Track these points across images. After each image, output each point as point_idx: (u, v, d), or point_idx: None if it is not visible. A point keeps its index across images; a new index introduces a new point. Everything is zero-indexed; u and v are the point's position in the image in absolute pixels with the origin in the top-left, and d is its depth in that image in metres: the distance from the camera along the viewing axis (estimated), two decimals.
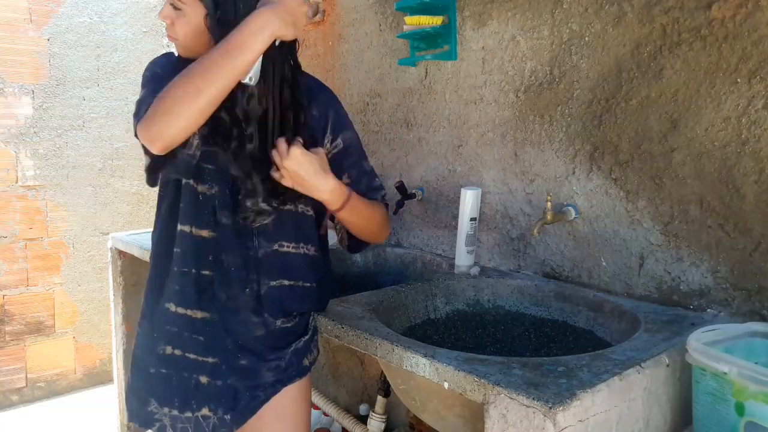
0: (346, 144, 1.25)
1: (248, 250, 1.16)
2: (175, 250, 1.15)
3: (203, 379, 1.14)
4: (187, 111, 0.98)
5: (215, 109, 1.02)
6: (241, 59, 1.00)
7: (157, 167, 1.11)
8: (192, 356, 1.14)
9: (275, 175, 1.11)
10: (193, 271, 1.15)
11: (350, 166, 1.26)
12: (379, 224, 1.29)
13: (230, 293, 1.15)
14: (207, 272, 1.15)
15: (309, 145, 1.15)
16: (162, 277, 1.18)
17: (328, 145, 1.24)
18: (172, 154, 1.04)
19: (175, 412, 1.13)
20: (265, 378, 1.16)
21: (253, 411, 1.16)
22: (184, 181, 1.15)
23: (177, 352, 1.15)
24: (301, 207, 1.21)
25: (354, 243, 1.34)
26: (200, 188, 1.14)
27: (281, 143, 1.09)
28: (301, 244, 1.22)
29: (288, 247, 1.20)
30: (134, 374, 1.20)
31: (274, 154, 1.10)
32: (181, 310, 1.15)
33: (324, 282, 1.28)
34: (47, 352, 2.82)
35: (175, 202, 1.17)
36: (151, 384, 1.16)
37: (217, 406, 1.13)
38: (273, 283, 1.18)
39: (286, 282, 1.20)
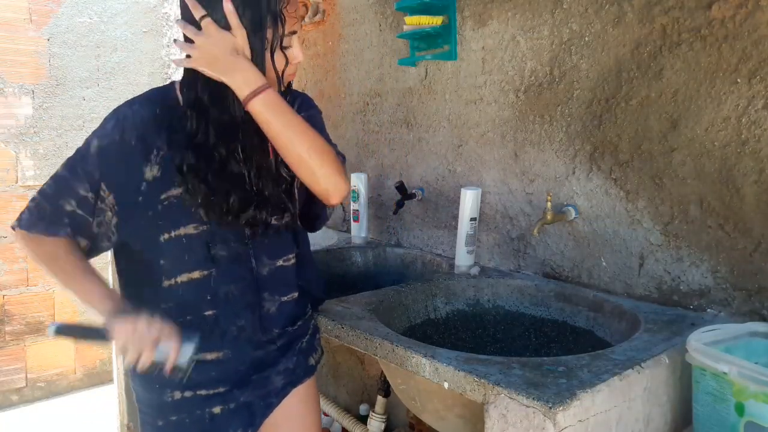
0: (309, 115, 1.16)
1: (251, 272, 1.12)
2: (162, 307, 1.06)
3: (216, 410, 1.11)
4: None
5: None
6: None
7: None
8: (203, 392, 1.10)
9: (182, 62, 1.01)
10: (192, 317, 1.08)
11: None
12: (314, 147, 1.03)
13: (240, 323, 1.11)
14: (209, 312, 1.08)
15: None
16: None
17: None
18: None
19: None
20: (276, 383, 1.16)
21: (266, 416, 1.16)
22: (161, 237, 1.05)
23: (187, 393, 1.10)
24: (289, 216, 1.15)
25: (306, 211, 1.18)
26: (183, 231, 1.05)
27: (190, 25, 1.00)
28: (296, 249, 1.20)
29: (291, 259, 1.18)
30: (143, 428, 1.15)
31: (185, 31, 1.00)
32: None
33: (312, 271, 1.27)
34: (47, 352, 2.82)
35: (152, 263, 1.07)
36: None
37: (236, 428, 1.12)
38: (285, 298, 1.16)
39: (296, 294, 1.19)
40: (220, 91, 1.01)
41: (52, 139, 2.78)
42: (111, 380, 2.62)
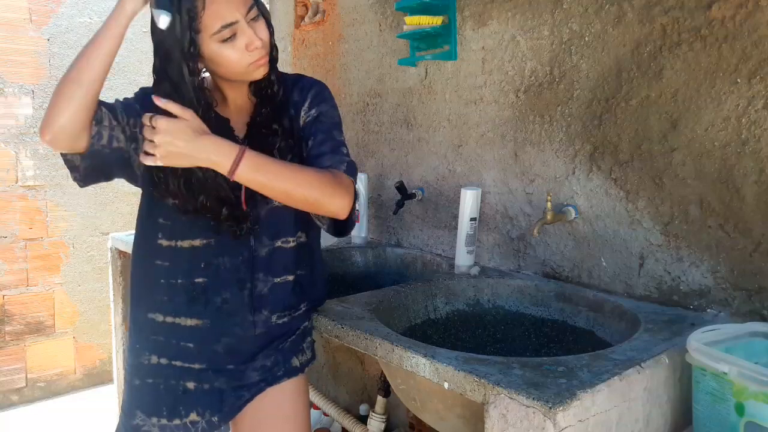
0: (320, 113, 1.18)
1: (249, 250, 1.15)
2: (157, 263, 1.14)
3: (190, 385, 1.14)
4: (66, 100, 0.99)
5: (97, 94, 1.02)
6: (104, 42, 1.08)
7: (83, 172, 1.10)
8: (178, 363, 1.14)
9: (147, 160, 1.00)
10: (184, 280, 1.13)
11: (318, 130, 1.16)
12: (309, 185, 1.06)
13: (225, 296, 1.14)
14: (200, 279, 1.13)
15: (289, 125, 1.16)
16: (145, 289, 1.16)
17: (303, 116, 1.18)
18: (86, 153, 1.06)
19: (164, 421, 1.13)
20: (251, 378, 1.17)
21: (238, 409, 1.17)
22: (171, 201, 1.11)
23: (163, 360, 1.14)
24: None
25: (331, 223, 1.20)
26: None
27: (145, 118, 1.00)
28: (297, 235, 1.21)
29: (291, 241, 1.20)
30: (125, 387, 1.20)
31: (145, 131, 1.00)
32: (169, 319, 1.14)
33: (317, 269, 1.28)
34: (47, 352, 2.81)
35: (153, 218, 1.15)
36: (137, 396, 1.16)
37: (204, 410, 1.14)
38: (277, 279, 1.18)
39: (289, 277, 1.20)
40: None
41: None
42: (111, 380, 2.62)
